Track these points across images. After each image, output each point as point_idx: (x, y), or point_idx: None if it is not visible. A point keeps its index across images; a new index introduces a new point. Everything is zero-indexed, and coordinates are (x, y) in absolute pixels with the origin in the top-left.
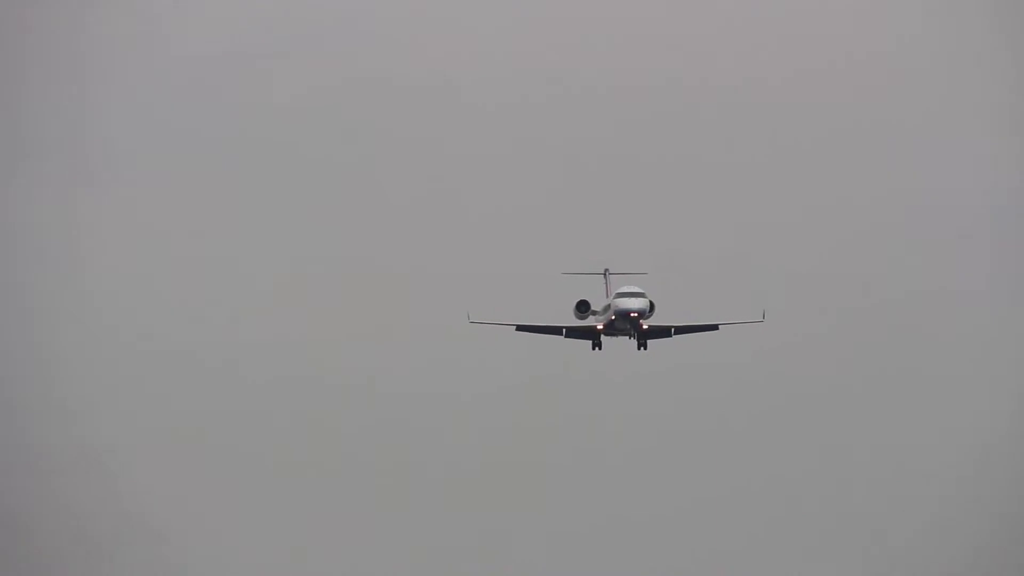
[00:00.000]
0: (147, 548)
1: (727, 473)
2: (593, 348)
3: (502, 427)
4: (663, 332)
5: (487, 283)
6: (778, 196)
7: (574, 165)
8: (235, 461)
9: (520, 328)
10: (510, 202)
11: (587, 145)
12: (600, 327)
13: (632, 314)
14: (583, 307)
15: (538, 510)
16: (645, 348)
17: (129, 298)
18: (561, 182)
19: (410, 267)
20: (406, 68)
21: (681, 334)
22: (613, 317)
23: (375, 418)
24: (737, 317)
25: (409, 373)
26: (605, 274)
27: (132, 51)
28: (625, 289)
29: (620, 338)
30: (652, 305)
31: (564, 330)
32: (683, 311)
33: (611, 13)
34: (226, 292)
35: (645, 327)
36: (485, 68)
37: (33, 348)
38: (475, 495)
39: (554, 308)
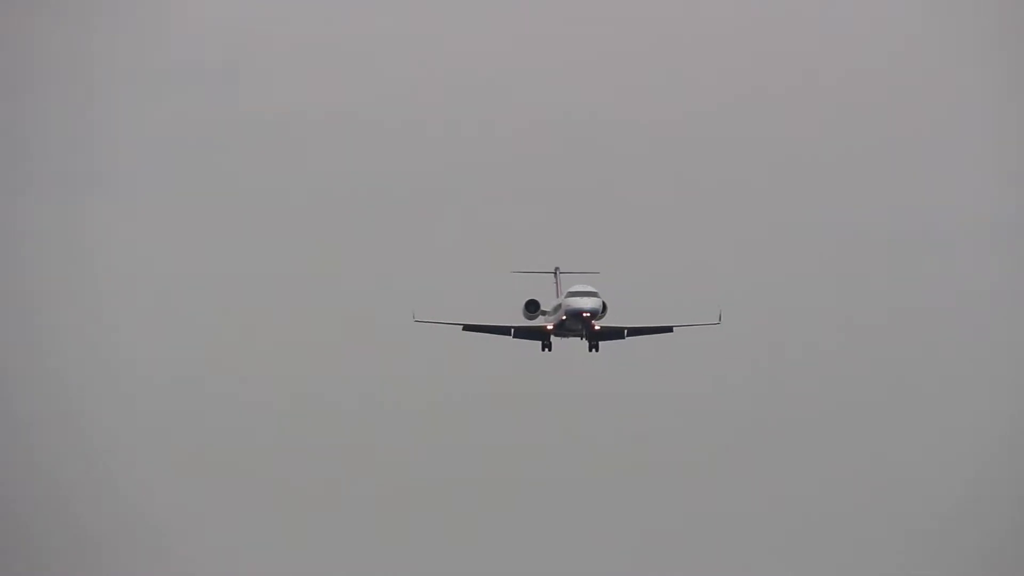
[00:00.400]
0: (147, 549)
1: (679, 480)
2: (543, 349)
3: (448, 431)
4: (616, 333)
5: (432, 281)
6: (738, 193)
7: (522, 161)
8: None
9: (467, 328)
10: (458, 198)
11: (538, 140)
12: (550, 327)
13: (584, 314)
14: (532, 307)
15: (478, 519)
16: (597, 350)
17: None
18: (510, 178)
19: (351, 264)
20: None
21: (634, 336)
22: (564, 317)
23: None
24: (692, 319)
25: (348, 376)
26: (555, 273)
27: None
28: (577, 288)
29: (571, 339)
30: (604, 305)
31: (512, 330)
32: (636, 312)
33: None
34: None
35: (597, 328)
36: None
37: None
38: (416, 504)
39: (502, 308)
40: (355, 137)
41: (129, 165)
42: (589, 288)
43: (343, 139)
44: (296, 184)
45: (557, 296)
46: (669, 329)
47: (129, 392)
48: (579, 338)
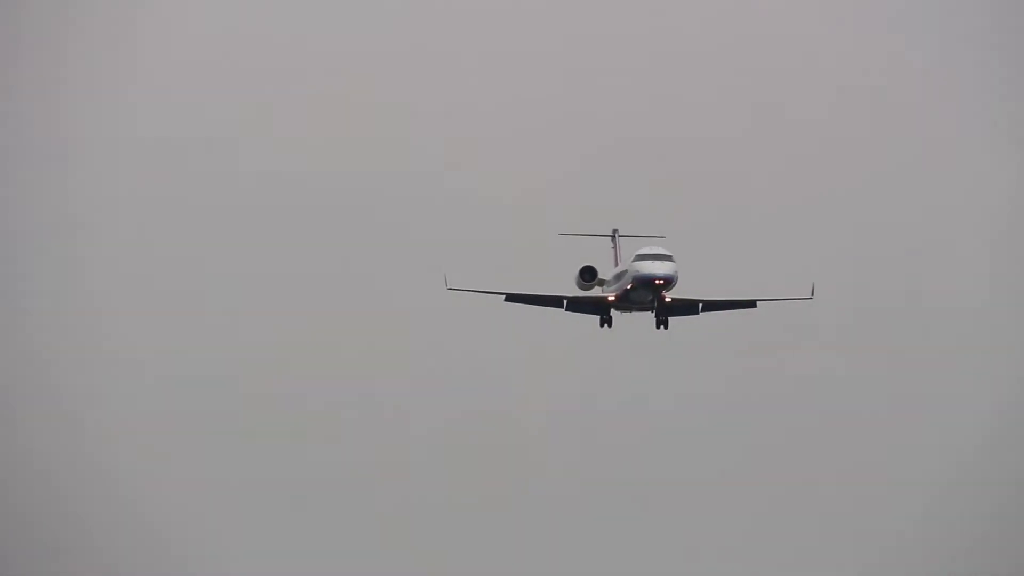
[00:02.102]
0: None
1: (757, 474)
2: (601, 325)
3: (489, 422)
4: (689, 308)
5: (468, 246)
6: (830, 144)
7: (572, 104)
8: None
9: (510, 298)
10: (497, 150)
11: (590, 80)
12: (612, 298)
13: (657, 281)
14: (589, 274)
15: (526, 515)
16: (666, 327)
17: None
18: (559, 123)
19: (373, 226)
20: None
21: (710, 311)
22: (630, 285)
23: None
24: (778, 292)
25: (378, 348)
26: (614, 236)
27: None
28: (648, 251)
29: (635, 313)
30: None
31: (566, 302)
32: (709, 284)
33: None
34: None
35: (669, 300)
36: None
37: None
38: (454, 495)
39: (546, 277)
40: (384, 83)
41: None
42: (662, 250)
43: (371, 87)
44: (318, 136)
45: (616, 263)
46: (752, 304)
47: (128, 387)
48: (645, 312)
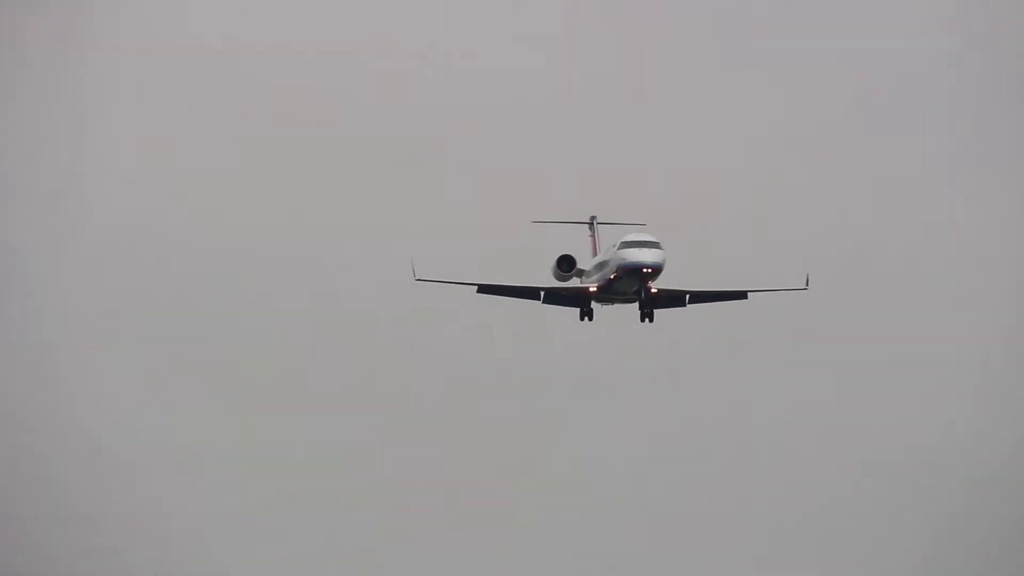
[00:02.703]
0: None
1: (744, 477)
2: (582, 318)
3: (462, 423)
4: (676, 299)
5: (436, 234)
6: (818, 125)
7: (549, 87)
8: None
9: (483, 290)
10: (468, 135)
11: (564, 59)
12: (593, 289)
13: (645, 270)
14: (567, 264)
15: (508, 523)
16: (651, 320)
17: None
18: (533, 109)
19: (347, 215)
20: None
21: (698, 303)
22: (614, 275)
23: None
24: (769, 283)
25: (347, 344)
26: (592, 224)
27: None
28: (634, 237)
29: (617, 305)
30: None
31: (543, 293)
32: (694, 274)
33: None
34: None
35: (655, 291)
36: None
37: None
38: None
39: (521, 267)
40: (355, 71)
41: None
42: (650, 237)
43: (342, 74)
44: (288, 122)
45: (595, 252)
46: (743, 295)
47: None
48: (628, 304)
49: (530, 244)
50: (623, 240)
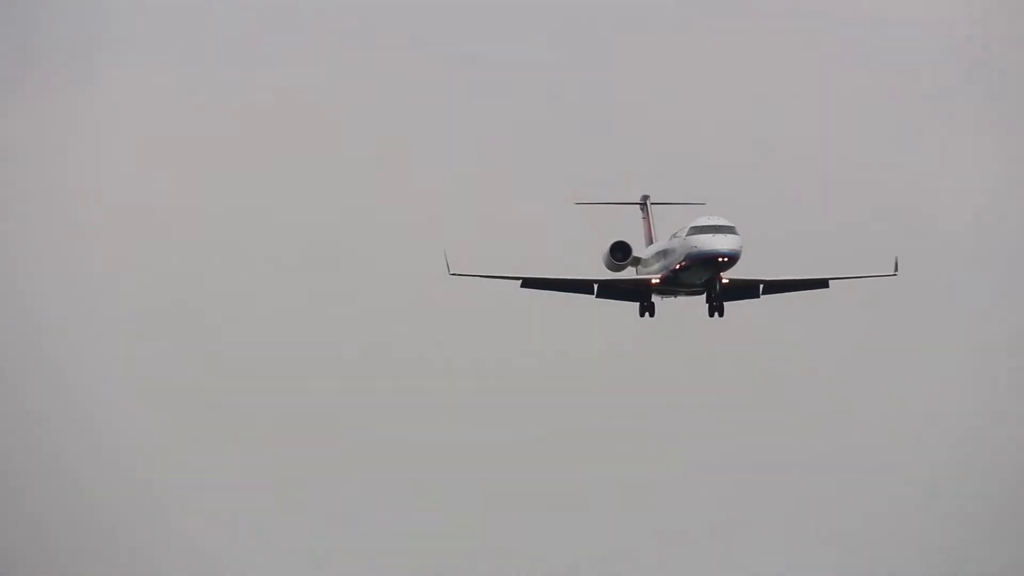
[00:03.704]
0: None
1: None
2: (642, 314)
3: (507, 431)
4: (748, 290)
5: (467, 222)
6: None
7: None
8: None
9: (528, 284)
10: (502, 110)
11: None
12: (656, 281)
13: (721, 259)
14: (622, 252)
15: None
16: (721, 314)
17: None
18: (572, 77)
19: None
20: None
21: (773, 293)
22: (681, 264)
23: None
24: (852, 269)
25: (374, 347)
26: (645, 204)
27: None
28: (706, 221)
29: (680, 298)
30: None
31: (597, 286)
32: (765, 261)
33: None
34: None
35: (726, 281)
36: None
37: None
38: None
39: (557, 256)
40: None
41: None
42: (723, 220)
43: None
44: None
45: (650, 237)
46: (824, 283)
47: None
48: (694, 296)
49: (571, 231)
50: (693, 225)
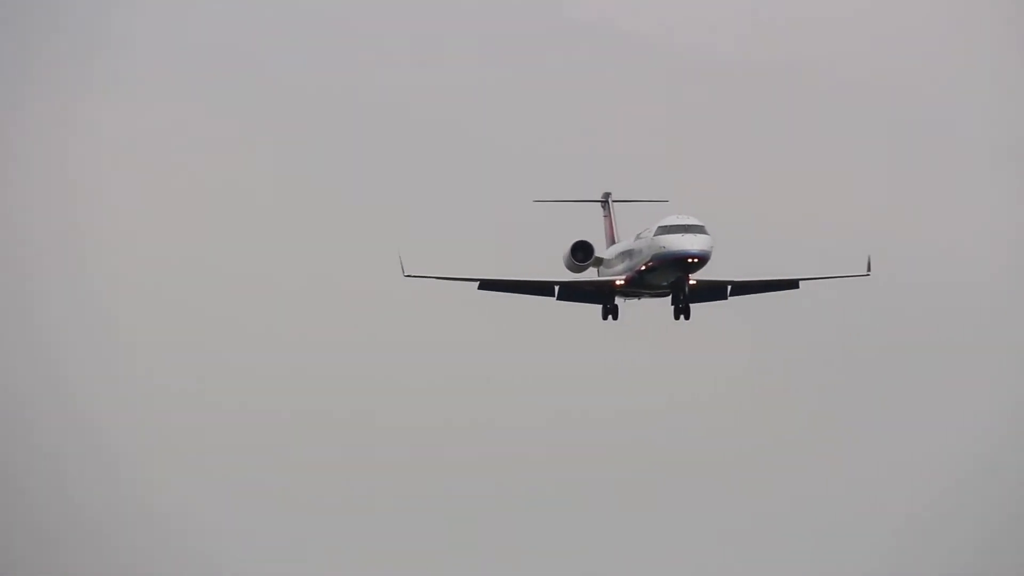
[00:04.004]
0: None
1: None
2: (605, 316)
3: (464, 442)
4: (716, 291)
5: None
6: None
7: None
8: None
9: (485, 285)
10: (458, 106)
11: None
12: (621, 282)
13: (691, 260)
14: (583, 252)
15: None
16: (687, 316)
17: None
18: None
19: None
20: None
21: (741, 294)
22: (647, 266)
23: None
24: (823, 269)
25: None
26: (607, 202)
27: None
28: (674, 221)
29: (645, 300)
30: None
31: (558, 288)
32: (731, 262)
33: None
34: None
35: (694, 282)
36: None
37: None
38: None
39: (518, 256)
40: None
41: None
42: (693, 219)
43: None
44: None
45: (612, 237)
46: (794, 284)
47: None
48: (658, 298)
49: (530, 230)
50: (660, 224)
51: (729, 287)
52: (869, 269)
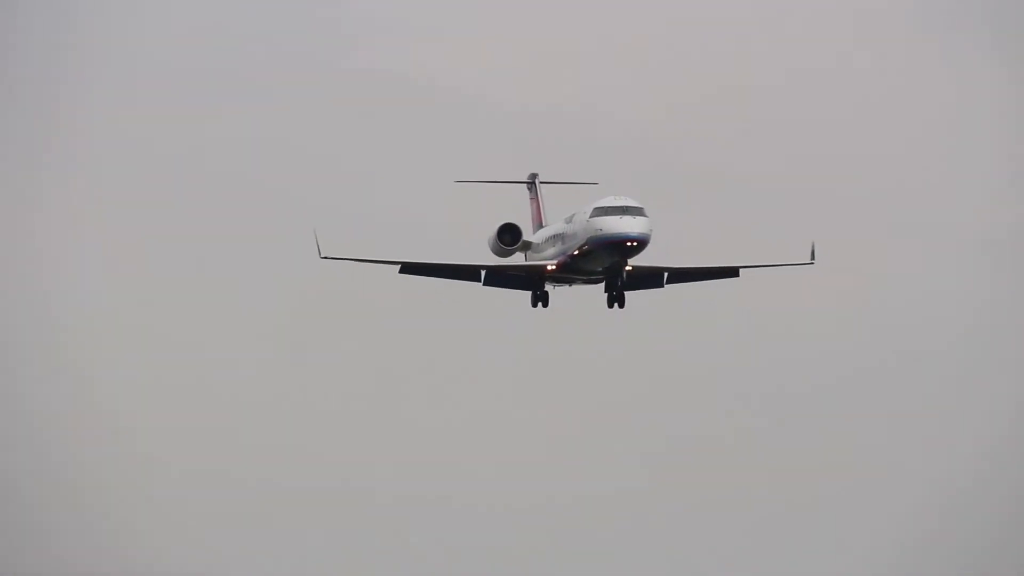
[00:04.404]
0: None
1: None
2: (534, 304)
3: (385, 434)
4: (652, 278)
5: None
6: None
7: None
8: None
9: (407, 269)
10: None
11: None
12: (552, 267)
13: (629, 243)
14: (511, 235)
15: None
16: (621, 304)
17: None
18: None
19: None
20: None
21: (678, 282)
22: (580, 250)
23: None
24: (764, 257)
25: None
26: (534, 184)
27: None
28: (611, 202)
29: (576, 287)
30: None
31: (484, 272)
32: (666, 248)
33: None
34: None
35: (629, 268)
36: None
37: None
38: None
39: (437, 239)
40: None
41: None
42: (630, 201)
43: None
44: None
45: (539, 219)
46: (734, 272)
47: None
48: (591, 285)
49: (451, 212)
50: (597, 205)
51: (666, 274)
52: (813, 257)
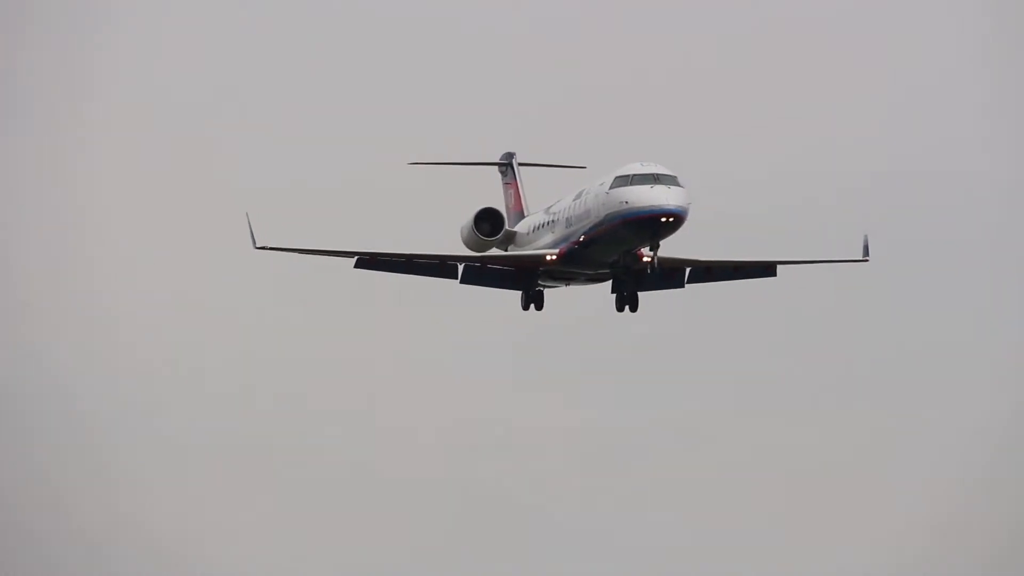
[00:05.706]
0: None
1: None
2: (526, 306)
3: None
4: (671, 276)
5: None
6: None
7: None
8: None
9: (363, 262)
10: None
11: None
12: (553, 257)
13: (666, 218)
14: (491, 224)
15: None
16: (634, 308)
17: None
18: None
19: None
20: None
21: (702, 281)
22: (596, 232)
23: None
24: (809, 252)
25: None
26: (509, 164)
27: None
28: (637, 169)
29: (575, 287)
30: None
31: (462, 267)
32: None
33: None
34: None
35: (648, 260)
36: None
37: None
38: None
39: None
40: None
41: None
42: (661, 168)
43: None
44: None
45: (519, 208)
46: (771, 269)
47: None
48: (595, 284)
49: (406, 198)
50: (619, 174)
51: (688, 270)
52: (867, 253)
